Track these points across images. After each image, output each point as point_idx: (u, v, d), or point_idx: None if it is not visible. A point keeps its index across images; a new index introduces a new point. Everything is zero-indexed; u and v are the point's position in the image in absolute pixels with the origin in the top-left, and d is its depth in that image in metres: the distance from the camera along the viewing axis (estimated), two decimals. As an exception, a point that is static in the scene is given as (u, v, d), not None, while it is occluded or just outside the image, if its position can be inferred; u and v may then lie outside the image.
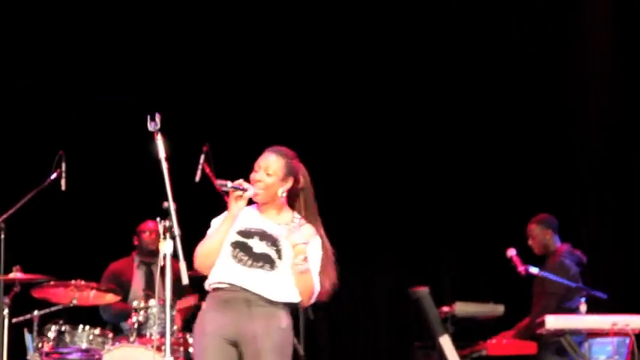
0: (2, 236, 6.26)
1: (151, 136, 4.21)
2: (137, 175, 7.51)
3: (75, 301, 6.51)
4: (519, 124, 8.66)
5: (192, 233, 4.51)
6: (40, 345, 6.26)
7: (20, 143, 7.90)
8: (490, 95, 8.69)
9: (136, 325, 6.52)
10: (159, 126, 4.16)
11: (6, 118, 7.85)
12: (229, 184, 4.44)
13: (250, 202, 4.55)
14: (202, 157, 6.68)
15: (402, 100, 8.76)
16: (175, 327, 6.47)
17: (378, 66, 8.67)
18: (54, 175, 6.53)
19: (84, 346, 6.33)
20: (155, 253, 7.26)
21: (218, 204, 6.66)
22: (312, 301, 4.55)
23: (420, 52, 8.70)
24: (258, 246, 4.44)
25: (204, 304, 4.55)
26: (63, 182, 6.53)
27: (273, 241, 4.47)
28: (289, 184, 4.56)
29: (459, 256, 8.80)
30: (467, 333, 6.96)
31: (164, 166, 4.15)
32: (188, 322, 6.98)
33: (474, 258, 8.61)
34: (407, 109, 8.76)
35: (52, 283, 6.49)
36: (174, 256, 4.21)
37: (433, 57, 8.73)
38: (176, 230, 4.14)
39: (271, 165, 4.53)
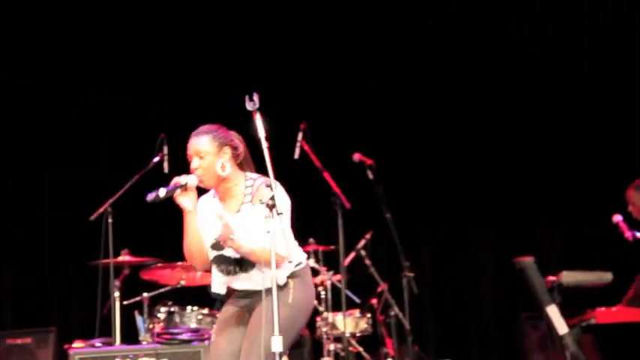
0: (110, 220, 6.38)
1: (249, 115, 4.20)
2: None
3: (183, 282, 6.61)
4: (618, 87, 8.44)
5: (295, 210, 4.50)
6: (150, 326, 6.37)
7: (123, 128, 8.02)
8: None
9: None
10: (257, 105, 4.15)
11: (115, 102, 7.99)
12: (162, 191, 4.32)
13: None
14: (300, 135, 6.70)
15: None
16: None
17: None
18: (157, 158, 6.62)
19: (193, 325, 6.41)
20: None
21: (317, 181, 6.73)
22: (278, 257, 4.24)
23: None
24: (232, 251, 4.32)
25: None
26: (165, 165, 6.61)
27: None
28: (227, 154, 4.41)
29: (563, 225, 8.65)
30: (574, 302, 6.84)
31: (264, 144, 4.15)
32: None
33: (578, 226, 8.44)
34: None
35: (159, 265, 6.61)
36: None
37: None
38: (279, 208, 4.13)
39: (199, 147, 4.40)
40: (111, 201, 6.43)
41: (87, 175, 7.94)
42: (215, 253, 4.35)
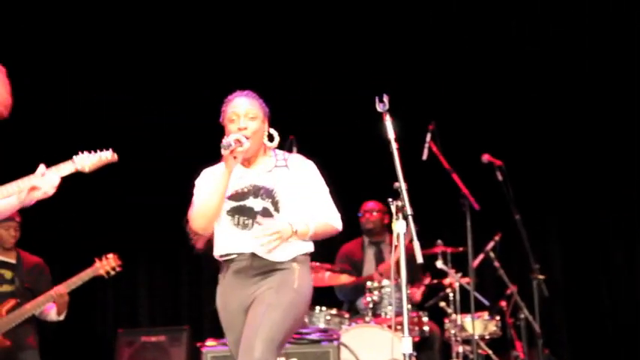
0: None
1: (379, 116, 4.19)
2: (365, 156, 7.58)
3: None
4: None
5: (423, 212, 4.48)
6: (279, 325, 6.43)
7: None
8: None
9: (371, 305, 6.61)
10: (387, 106, 4.14)
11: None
12: (231, 138, 4.09)
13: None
14: (429, 136, 6.66)
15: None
16: (409, 306, 6.51)
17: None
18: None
19: (322, 326, 6.46)
20: (374, 232, 7.34)
21: (446, 182, 6.68)
22: (335, 231, 4.34)
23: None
24: (256, 204, 4.14)
25: (220, 275, 4.24)
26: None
27: (268, 193, 4.17)
28: (267, 124, 4.28)
29: None
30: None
31: (393, 146, 4.13)
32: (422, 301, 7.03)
33: None
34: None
35: (288, 265, 6.65)
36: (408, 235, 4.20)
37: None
38: (408, 210, 4.12)
39: (250, 109, 4.22)
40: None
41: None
42: (233, 203, 4.14)
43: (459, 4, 8.06)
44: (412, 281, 6.90)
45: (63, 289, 6.08)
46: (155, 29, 8.23)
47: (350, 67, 8.10)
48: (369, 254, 7.48)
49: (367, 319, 6.57)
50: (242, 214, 4.13)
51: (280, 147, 6.67)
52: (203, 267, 8.39)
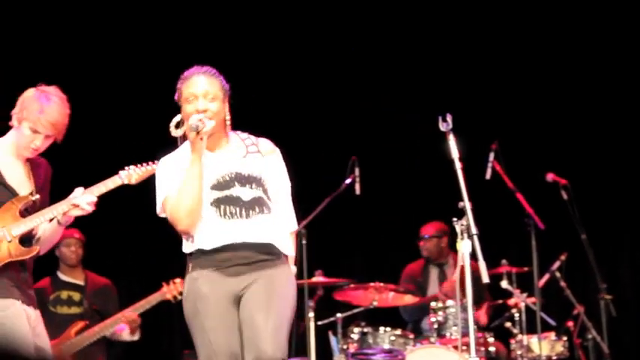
0: (304, 242, 6.49)
1: (442, 136, 4.19)
2: (428, 176, 7.57)
3: (375, 303, 6.65)
4: None
5: (487, 231, 4.45)
6: (344, 346, 6.44)
7: (315, 151, 8.14)
8: None
9: (435, 326, 6.57)
10: (451, 126, 4.14)
11: (303, 126, 8.13)
12: (194, 119, 3.78)
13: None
14: (492, 155, 6.63)
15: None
16: (475, 326, 6.45)
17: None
18: (348, 180, 6.70)
19: (386, 346, 6.44)
20: (433, 256, 7.31)
21: (510, 201, 6.63)
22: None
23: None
24: (244, 193, 3.82)
25: (189, 268, 3.87)
26: (357, 187, 6.68)
27: (256, 181, 3.87)
28: (227, 104, 3.94)
29: None
30: None
31: (458, 165, 4.12)
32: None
33: None
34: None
35: (352, 285, 6.67)
36: (473, 255, 4.18)
37: None
38: (473, 229, 4.10)
39: (210, 88, 3.86)
40: (304, 223, 6.54)
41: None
42: (217, 193, 3.81)
43: (521, 24, 8.02)
44: (478, 302, 6.85)
45: (133, 314, 6.14)
46: (443, 32, 8.15)
47: (413, 87, 8.09)
48: (432, 275, 7.44)
49: (432, 339, 6.53)
50: (228, 203, 3.79)
51: (342, 168, 6.82)
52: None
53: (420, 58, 8.10)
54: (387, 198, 8.00)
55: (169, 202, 3.81)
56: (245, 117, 7.30)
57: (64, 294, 6.29)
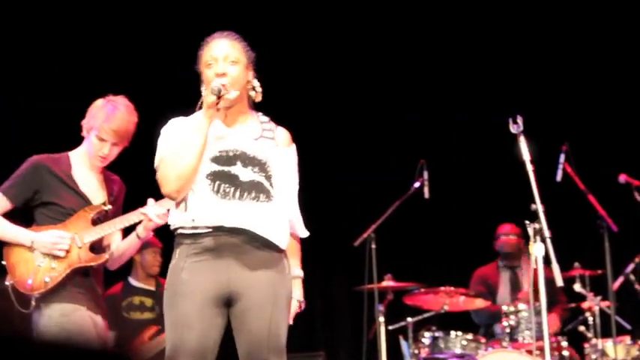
0: (373, 246, 6.48)
1: (512, 138, 4.16)
2: (498, 178, 7.51)
3: (446, 307, 6.61)
4: None
5: (559, 234, 4.39)
6: (416, 351, 6.41)
7: (383, 155, 8.12)
8: None
9: (507, 330, 6.51)
10: (522, 128, 4.10)
11: (372, 130, 8.11)
12: (218, 82, 3.51)
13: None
14: (562, 157, 6.55)
15: None
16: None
17: None
18: (417, 184, 6.68)
19: (458, 351, 6.39)
20: (512, 255, 7.23)
21: (582, 203, 6.54)
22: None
23: None
24: (244, 173, 3.54)
25: (176, 255, 3.58)
26: (426, 190, 6.66)
27: (260, 165, 3.59)
28: (252, 73, 3.66)
29: None
30: None
31: (529, 168, 4.08)
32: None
33: None
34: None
35: (422, 290, 6.64)
36: (546, 258, 4.14)
37: None
38: (546, 232, 4.06)
39: (231, 51, 3.58)
40: (374, 227, 6.54)
41: (349, 201, 8.08)
42: (216, 167, 3.53)
43: (589, 24, 7.91)
44: (552, 305, 6.77)
45: None
46: (509, 32, 8.04)
47: (483, 88, 8.04)
48: (504, 278, 7.37)
49: (504, 343, 6.47)
50: (224, 180, 3.52)
51: (411, 171, 6.80)
52: (333, 292, 8.43)
53: (489, 59, 8.04)
54: (456, 201, 7.94)
55: (162, 161, 3.55)
56: (314, 121, 7.34)
57: (137, 299, 6.35)
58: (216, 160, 3.54)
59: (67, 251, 4.32)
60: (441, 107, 8.09)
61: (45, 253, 4.32)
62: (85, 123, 4.47)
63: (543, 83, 8.05)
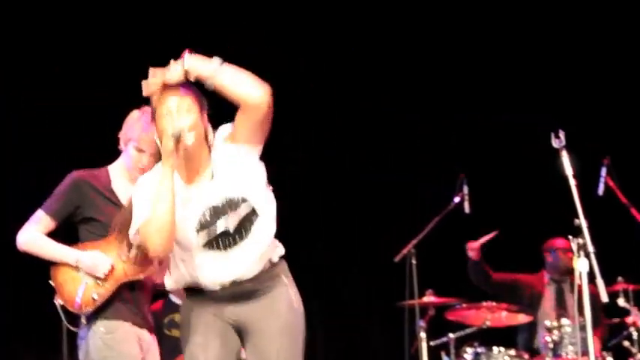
0: (414, 261, 6.47)
1: (554, 153, 4.14)
2: (539, 193, 7.46)
3: (488, 323, 6.56)
4: None
5: (602, 248, 4.35)
6: (458, 367, 6.39)
7: (423, 169, 8.07)
8: None
9: (550, 345, 6.45)
10: (564, 142, 4.08)
11: (411, 145, 8.09)
12: (177, 127, 3.52)
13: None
14: (604, 170, 6.50)
15: None
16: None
17: None
18: (457, 199, 6.66)
19: (500, 367, 6.35)
20: (567, 271, 7.17)
21: (624, 217, 6.48)
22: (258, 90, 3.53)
23: None
24: (229, 222, 3.62)
25: (185, 298, 3.81)
26: (466, 205, 6.64)
27: (233, 204, 3.62)
28: (205, 121, 3.67)
29: None
30: None
31: (572, 182, 4.06)
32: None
33: None
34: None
35: (464, 305, 6.60)
36: (589, 273, 4.10)
37: None
38: (590, 247, 4.03)
39: (184, 100, 3.60)
40: (414, 242, 6.53)
41: (390, 217, 8.06)
42: (205, 237, 3.63)
43: (631, 39, 7.87)
44: (595, 324, 6.69)
45: None
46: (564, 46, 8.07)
47: (524, 103, 8.00)
48: (550, 292, 7.31)
49: (547, 359, 6.42)
50: (217, 240, 3.64)
51: (450, 185, 6.77)
52: (374, 308, 8.41)
53: (531, 74, 8.01)
54: (497, 216, 7.89)
55: (138, 222, 3.60)
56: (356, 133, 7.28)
57: (178, 317, 6.37)
58: (199, 229, 3.62)
59: (112, 267, 4.34)
60: (482, 120, 8.06)
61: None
62: (122, 135, 4.49)
63: (585, 97, 8.00)
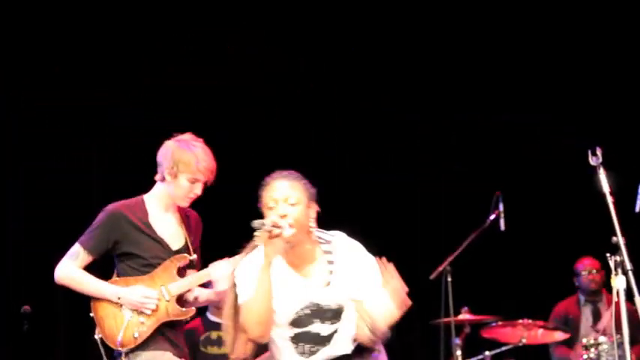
0: (449, 279, 6.44)
1: (591, 170, 4.11)
2: (575, 211, 7.41)
3: (524, 341, 6.54)
4: None
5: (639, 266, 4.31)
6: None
7: (459, 187, 8.04)
8: None
9: (588, 363, 6.42)
10: (601, 159, 4.05)
11: (446, 162, 8.06)
12: (267, 221, 3.58)
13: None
14: (642, 187, 6.45)
15: None
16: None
17: None
18: (493, 216, 6.63)
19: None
20: (595, 292, 7.11)
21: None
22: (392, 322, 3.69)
23: None
24: (324, 329, 3.69)
25: None
26: (502, 222, 6.61)
27: (336, 315, 3.70)
28: (314, 209, 3.72)
29: None
30: None
31: (609, 200, 4.03)
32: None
33: None
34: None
35: (500, 323, 6.58)
36: (628, 292, 4.07)
37: None
38: (628, 265, 3.99)
39: (291, 193, 3.64)
40: (450, 259, 6.50)
41: (424, 236, 8.04)
42: (296, 330, 3.69)
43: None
44: (633, 342, 6.62)
45: None
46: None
47: (560, 121, 7.96)
48: (586, 312, 7.27)
49: (584, 377, 6.38)
50: (308, 341, 3.70)
51: (487, 203, 6.73)
52: (409, 326, 8.36)
53: (566, 92, 7.97)
54: (533, 233, 7.86)
55: (243, 309, 3.65)
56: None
57: (214, 334, 6.39)
58: (294, 323, 3.67)
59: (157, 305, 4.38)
60: (516, 140, 8.03)
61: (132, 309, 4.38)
62: (167, 168, 4.45)
63: (621, 115, 7.94)
